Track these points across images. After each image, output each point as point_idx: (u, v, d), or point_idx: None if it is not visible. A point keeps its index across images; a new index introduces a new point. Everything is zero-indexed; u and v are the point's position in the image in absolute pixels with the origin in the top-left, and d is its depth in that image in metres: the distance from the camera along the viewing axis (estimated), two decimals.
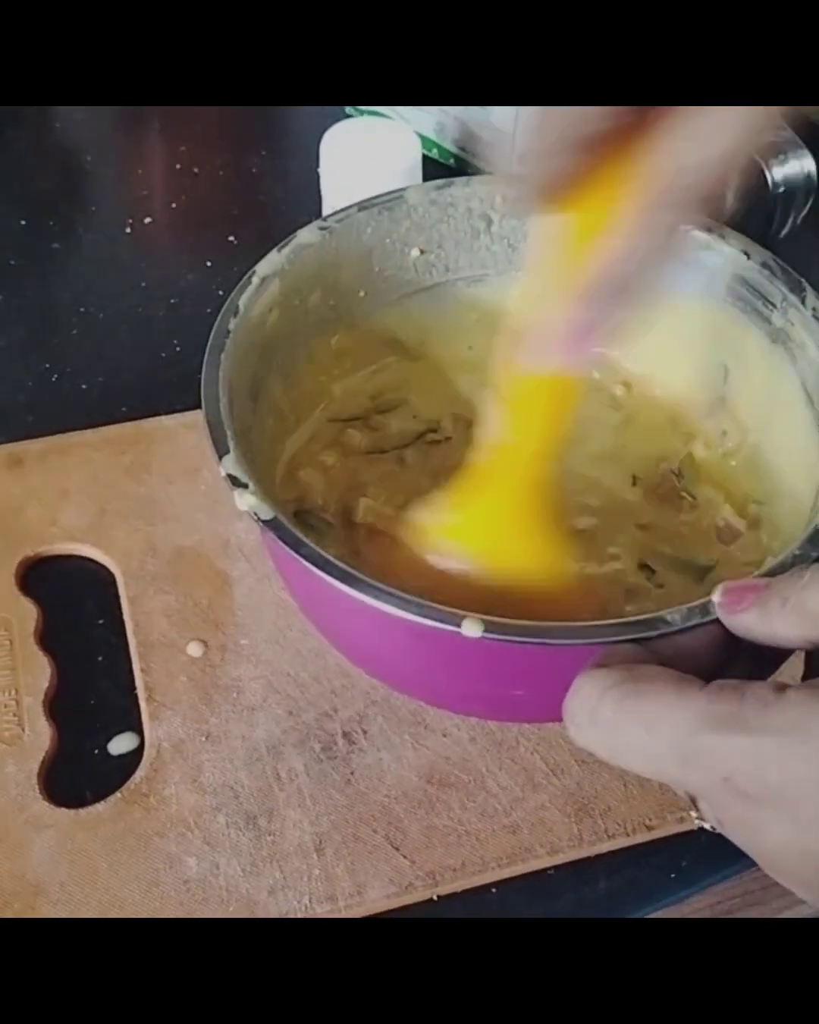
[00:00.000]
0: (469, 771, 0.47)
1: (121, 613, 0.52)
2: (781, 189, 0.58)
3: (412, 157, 0.64)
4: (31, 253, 0.69)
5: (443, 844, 0.46)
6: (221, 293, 0.66)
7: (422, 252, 0.53)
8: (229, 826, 0.46)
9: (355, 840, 0.46)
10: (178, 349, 0.64)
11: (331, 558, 0.39)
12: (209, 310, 0.65)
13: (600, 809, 0.46)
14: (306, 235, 0.50)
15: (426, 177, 0.64)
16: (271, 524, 0.40)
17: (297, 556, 0.39)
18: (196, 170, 0.75)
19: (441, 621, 0.38)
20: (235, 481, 0.41)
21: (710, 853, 0.46)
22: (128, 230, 0.71)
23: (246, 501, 0.41)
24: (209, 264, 0.69)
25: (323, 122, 0.66)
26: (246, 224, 0.71)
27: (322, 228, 0.50)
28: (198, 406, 0.59)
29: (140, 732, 0.49)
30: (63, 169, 0.75)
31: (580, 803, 0.46)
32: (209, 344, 0.45)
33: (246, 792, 0.47)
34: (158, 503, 0.56)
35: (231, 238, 0.70)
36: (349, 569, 0.39)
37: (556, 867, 0.45)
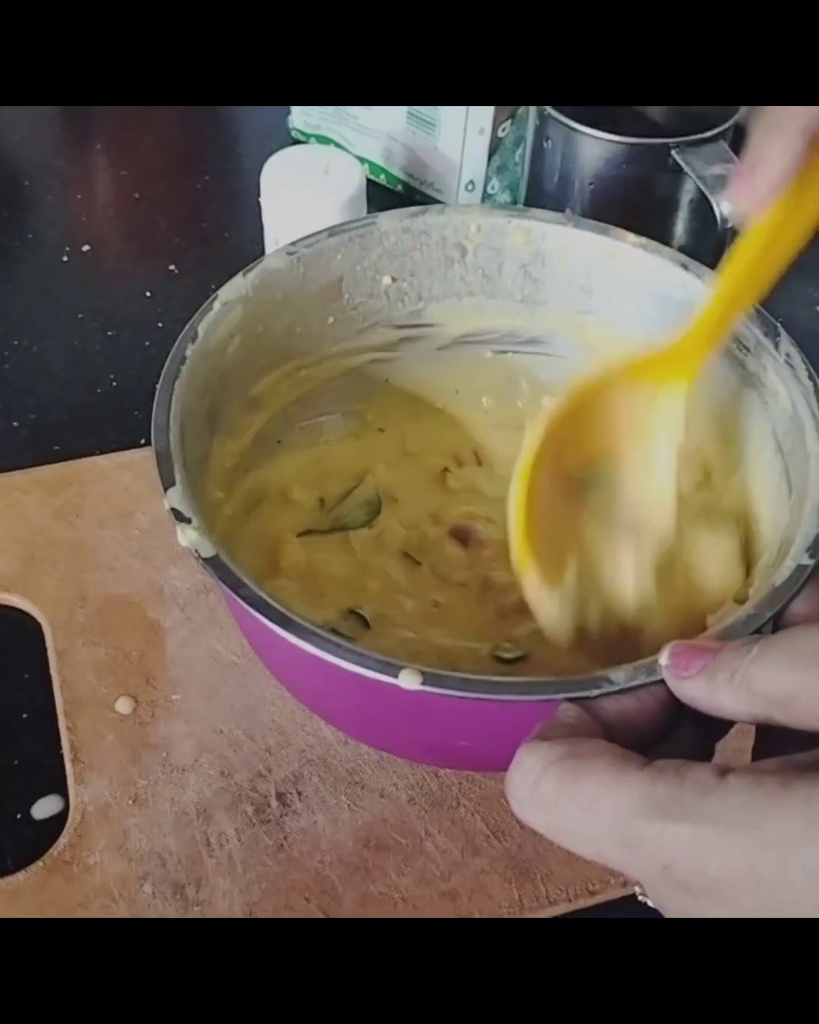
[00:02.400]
0: (407, 833, 0.46)
1: (48, 666, 0.50)
2: (730, 224, 0.57)
3: (355, 185, 0.62)
4: None
5: (378, 913, 0.44)
6: (161, 325, 0.64)
7: (394, 280, 0.52)
8: (155, 896, 0.44)
9: (287, 909, 0.44)
10: (115, 384, 0.62)
11: (270, 600, 0.37)
12: (148, 342, 0.64)
13: (542, 873, 0.45)
14: (273, 260, 0.48)
15: (373, 204, 0.62)
16: (211, 562, 0.39)
17: (236, 597, 0.38)
18: (137, 195, 0.73)
19: (380, 671, 0.36)
20: (178, 516, 0.40)
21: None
22: (65, 258, 0.68)
23: (188, 537, 0.39)
24: (149, 294, 0.67)
25: (268, 146, 0.64)
26: (188, 253, 0.69)
27: (291, 253, 0.49)
28: (134, 444, 0.58)
29: (65, 795, 0.47)
30: (0, 194, 0.73)
31: (521, 867, 0.45)
32: (164, 371, 0.43)
33: (174, 859, 0.45)
34: (89, 549, 0.54)
35: (172, 267, 0.68)
36: (288, 613, 0.37)
37: None
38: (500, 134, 0.67)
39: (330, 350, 0.52)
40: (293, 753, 0.48)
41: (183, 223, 0.72)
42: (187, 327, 0.46)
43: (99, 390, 0.62)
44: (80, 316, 0.66)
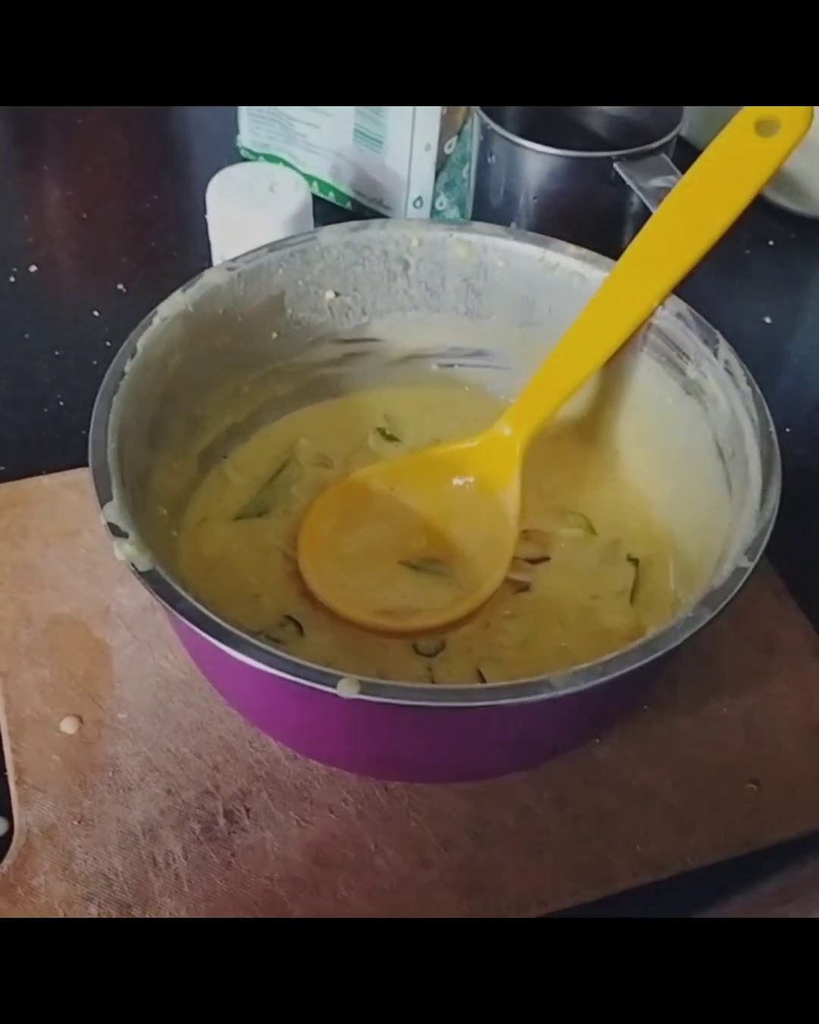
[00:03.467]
0: (356, 848, 0.45)
1: None
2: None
3: (301, 201, 0.62)
4: None
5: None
6: (109, 344, 0.64)
7: (337, 294, 0.52)
8: (100, 917, 0.43)
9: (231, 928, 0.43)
10: (61, 403, 0.62)
11: (208, 613, 0.37)
12: (96, 361, 0.64)
13: (492, 885, 0.44)
14: (213, 276, 0.48)
15: (323, 221, 0.62)
16: (148, 576, 0.39)
17: (174, 611, 0.38)
18: (85, 215, 0.73)
19: (318, 682, 0.36)
20: (115, 530, 0.40)
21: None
22: (12, 279, 0.68)
23: (124, 551, 0.39)
24: (97, 314, 0.66)
25: (216, 165, 0.64)
26: (136, 272, 0.69)
27: (230, 269, 0.49)
28: (80, 464, 0.57)
29: (9, 816, 0.46)
30: None
31: (471, 879, 0.44)
32: (102, 387, 0.43)
33: (120, 880, 0.44)
34: (35, 569, 0.53)
35: (120, 287, 0.68)
36: (226, 625, 0.37)
37: None
38: (446, 150, 0.68)
39: (275, 365, 0.52)
40: (241, 770, 0.47)
41: (131, 242, 0.71)
42: (126, 342, 0.46)
43: (46, 410, 0.61)
44: (27, 336, 0.65)
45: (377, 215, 0.72)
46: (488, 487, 0.50)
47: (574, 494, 0.51)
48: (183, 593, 0.38)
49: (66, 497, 0.56)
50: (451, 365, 0.55)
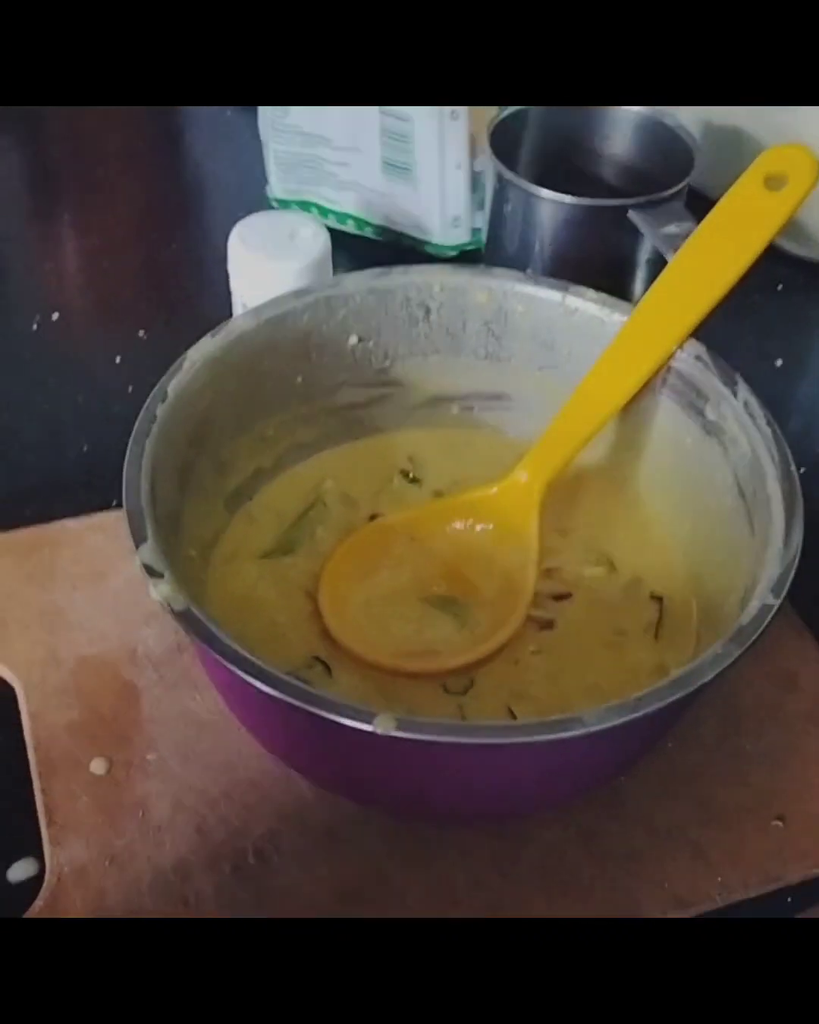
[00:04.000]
0: (385, 887, 0.45)
1: (21, 729, 0.50)
2: None
3: (321, 249, 0.63)
4: None
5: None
6: (131, 389, 0.65)
7: (360, 339, 0.53)
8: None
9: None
10: (85, 448, 0.62)
11: (243, 652, 0.38)
12: (118, 407, 0.64)
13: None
14: (242, 322, 0.49)
15: (362, 257, 0.63)
16: (184, 615, 0.39)
17: (210, 650, 0.38)
18: (105, 264, 0.74)
19: (354, 718, 0.37)
20: (150, 571, 0.40)
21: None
22: (35, 327, 0.69)
23: (160, 591, 0.40)
24: (119, 360, 0.67)
25: (235, 214, 0.65)
26: (157, 319, 0.70)
27: (258, 315, 0.50)
28: (105, 507, 0.58)
29: (41, 858, 0.46)
30: None
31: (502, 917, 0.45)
32: (135, 430, 0.44)
33: (152, 917, 0.44)
34: (62, 611, 0.54)
35: (141, 333, 0.69)
36: (262, 664, 0.38)
37: None
38: (476, 168, 0.69)
39: (300, 409, 0.53)
40: (270, 809, 0.47)
41: (151, 290, 0.73)
42: (157, 387, 0.47)
43: (70, 455, 0.62)
44: (50, 383, 0.66)
45: (416, 242, 0.73)
46: (507, 532, 0.51)
47: (595, 533, 0.52)
48: (218, 632, 0.39)
49: (92, 540, 0.57)
50: (471, 408, 0.56)
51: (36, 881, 0.46)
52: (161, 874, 0.46)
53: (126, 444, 0.45)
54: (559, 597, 0.50)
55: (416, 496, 0.54)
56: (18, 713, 0.51)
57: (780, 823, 0.47)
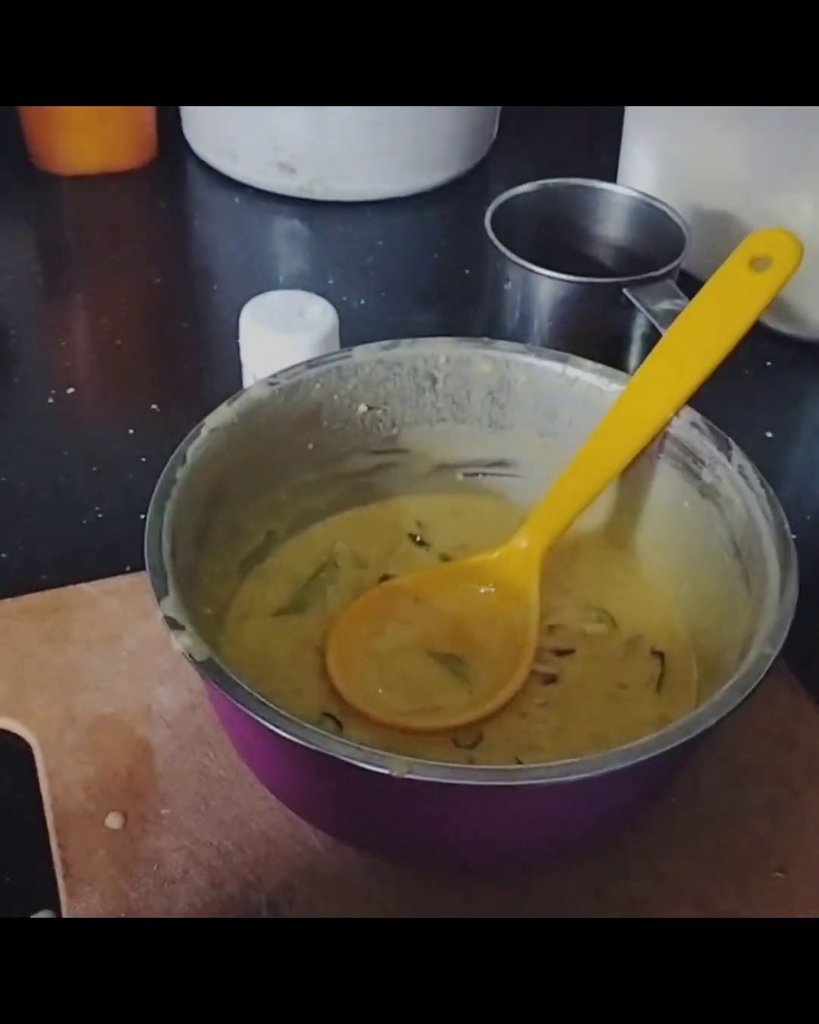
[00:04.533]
0: None
1: (38, 786, 0.51)
2: None
3: (329, 325, 0.66)
4: None
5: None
6: (144, 460, 0.67)
7: (370, 408, 0.55)
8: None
9: None
10: (99, 516, 0.64)
11: (263, 699, 0.39)
12: (131, 476, 0.67)
13: None
14: (257, 390, 0.51)
15: (361, 333, 0.66)
16: (205, 665, 0.41)
17: (231, 699, 0.40)
18: (119, 342, 0.77)
19: (371, 762, 0.38)
20: (172, 623, 0.42)
21: None
22: (50, 400, 0.72)
23: (182, 642, 0.41)
24: (131, 432, 0.70)
25: (243, 295, 0.68)
26: (168, 392, 0.73)
27: (272, 384, 0.52)
28: (119, 572, 0.60)
29: (57, 909, 0.47)
30: None
31: None
32: (156, 492, 0.46)
33: None
34: (78, 671, 0.55)
35: (154, 406, 0.71)
36: (284, 712, 0.39)
37: None
38: None
39: (311, 475, 0.55)
40: (282, 863, 0.48)
41: (163, 366, 0.75)
42: (176, 452, 0.49)
43: (84, 521, 0.64)
44: (65, 453, 0.68)
45: None
46: (510, 594, 0.53)
47: (596, 591, 0.54)
48: (239, 681, 0.40)
49: (107, 603, 0.58)
50: (476, 474, 0.58)
51: None
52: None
53: (138, 511, 0.46)
54: (562, 652, 0.51)
55: (424, 559, 0.56)
56: (35, 770, 0.52)
57: (782, 875, 0.48)
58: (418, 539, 0.57)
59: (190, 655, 0.41)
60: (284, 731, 0.39)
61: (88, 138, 0.90)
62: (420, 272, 0.84)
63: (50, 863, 0.49)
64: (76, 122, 0.88)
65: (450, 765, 0.39)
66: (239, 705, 0.40)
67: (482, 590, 0.53)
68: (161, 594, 0.43)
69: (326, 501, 0.56)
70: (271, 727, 0.39)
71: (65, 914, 0.47)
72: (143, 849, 0.49)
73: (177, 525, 0.46)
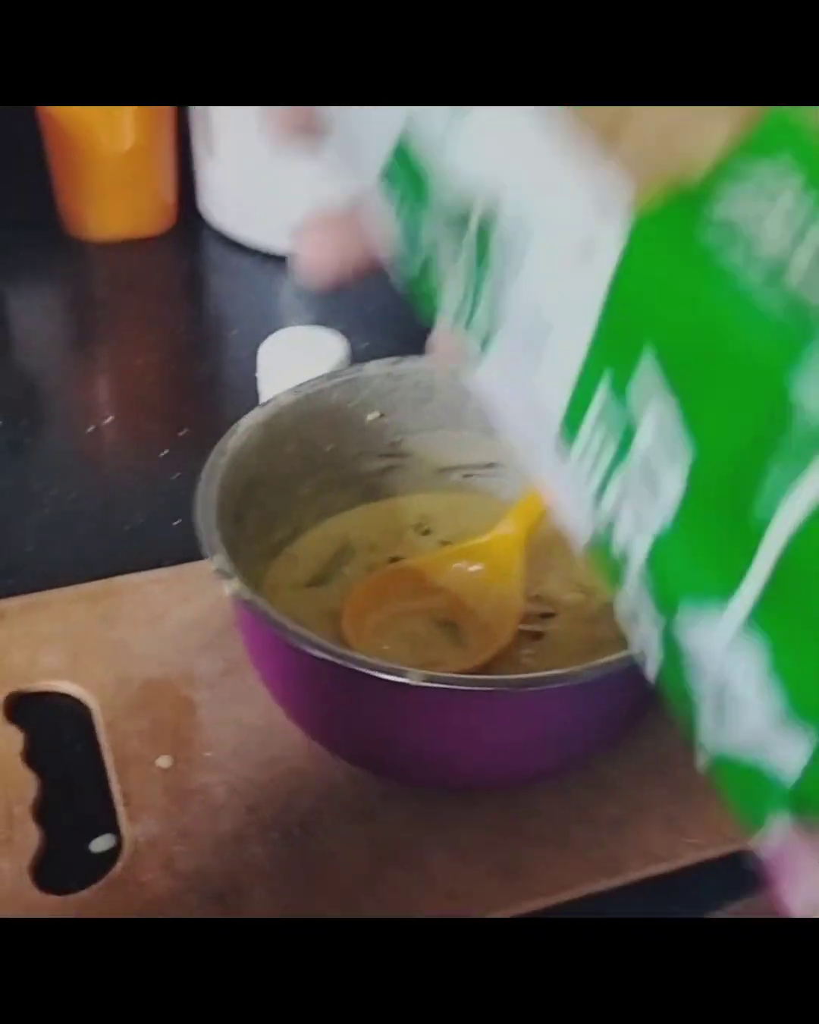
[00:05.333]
0: (411, 850, 0.54)
1: (97, 736, 0.59)
2: None
3: (341, 354, 0.75)
4: (6, 449, 0.79)
5: (390, 912, 0.52)
6: (176, 475, 0.76)
7: (381, 415, 0.64)
8: (199, 905, 0.52)
9: (313, 910, 0.52)
10: (140, 521, 0.73)
11: (297, 627, 0.48)
12: (164, 488, 0.76)
13: (529, 875, 0.53)
14: (284, 397, 0.61)
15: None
16: (250, 603, 0.49)
17: (269, 625, 0.48)
18: (150, 379, 0.87)
19: (390, 673, 0.46)
20: (223, 572, 0.50)
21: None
22: (91, 429, 0.81)
23: (232, 586, 0.49)
24: (164, 453, 0.79)
25: (258, 338, 0.78)
26: (195, 420, 0.82)
27: (296, 392, 0.61)
28: (161, 565, 0.68)
29: (118, 833, 0.55)
30: (27, 386, 0.86)
31: (510, 871, 0.53)
32: (204, 475, 0.55)
33: (216, 876, 0.53)
34: (128, 645, 0.64)
35: (182, 432, 0.81)
36: (313, 636, 0.47)
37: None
38: None
39: (329, 473, 0.64)
40: (310, 793, 0.56)
41: (189, 399, 0.85)
42: (217, 446, 0.58)
43: (127, 527, 0.73)
44: (106, 471, 0.77)
45: None
46: (499, 570, 0.62)
47: (575, 568, 0.63)
48: (273, 613, 0.49)
49: (151, 589, 0.67)
50: (471, 475, 0.67)
51: (115, 852, 0.54)
52: (222, 842, 0.54)
53: (172, 518, 0.55)
54: (545, 615, 0.60)
55: (426, 545, 0.65)
56: (93, 728, 0.60)
57: None
58: (423, 529, 0.66)
59: (238, 596, 0.50)
60: (314, 650, 0.47)
61: (113, 206, 1.01)
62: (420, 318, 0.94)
63: (110, 798, 0.56)
64: (102, 191, 0.99)
65: (461, 676, 0.47)
66: (276, 631, 0.48)
67: (474, 568, 0.62)
68: (213, 551, 0.52)
69: (343, 497, 0.65)
70: (304, 648, 0.47)
71: (125, 835, 0.54)
72: (191, 782, 0.57)
73: (220, 501, 0.55)
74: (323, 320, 0.95)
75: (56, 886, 0.53)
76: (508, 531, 0.62)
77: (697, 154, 0.21)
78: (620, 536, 0.25)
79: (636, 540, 0.25)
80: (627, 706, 0.55)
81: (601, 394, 0.24)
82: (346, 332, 0.90)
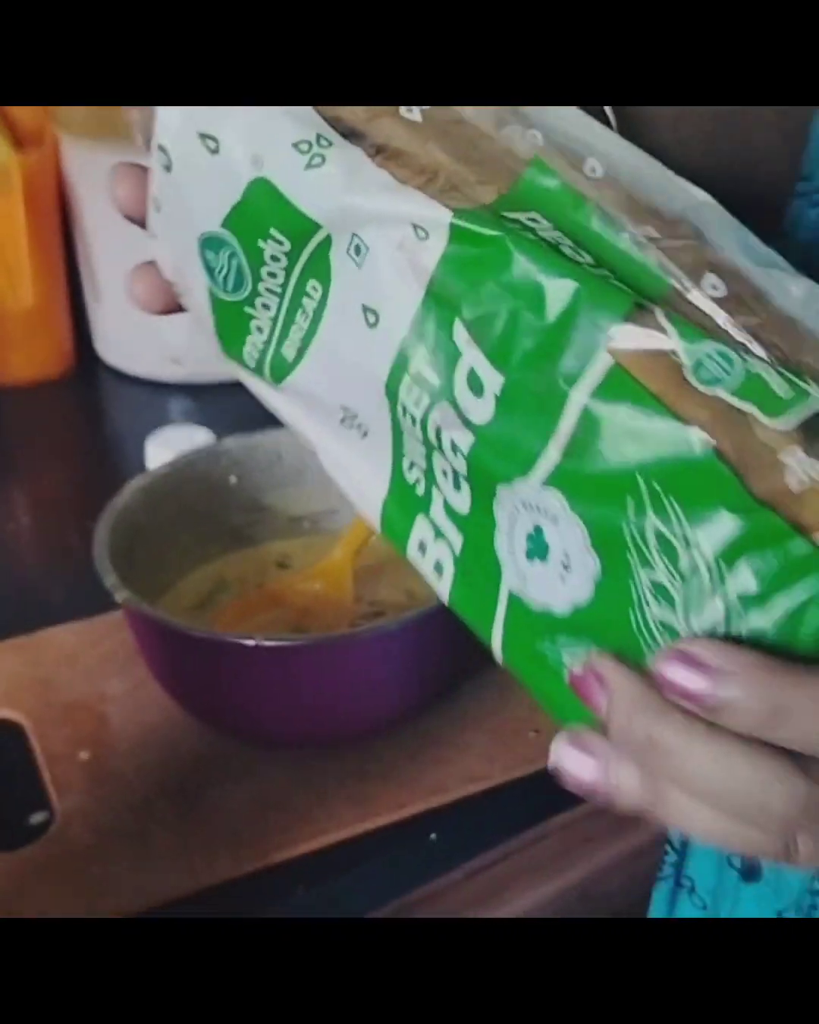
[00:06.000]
0: (284, 797, 0.69)
1: (31, 744, 0.74)
2: None
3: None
4: None
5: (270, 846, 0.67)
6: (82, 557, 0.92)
7: (238, 479, 0.81)
8: (117, 852, 0.66)
9: (207, 851, 0.66)
10: (59, 592, 0.89)
11: (162, 616, 0.64)
12: (74, 567, 0.91)
13: (371, 800, 0.68)
14: (160, 468, 0.78)
15: None
16: (131, 602, 0.65)
17: (141, 615, 0.64)
18: (59, 485, 1.04)
19: (236, 637, 0.62)
20: (116, 587, 0.66)
21: (461, 828, 0.68)
22: (12, 525, 0.97)
23: (121, 595, 0.65)
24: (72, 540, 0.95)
25: (144, 431, 0.95)
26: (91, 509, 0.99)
27: (171, 465, 0.78)
28: (73, 619, 0.84)
29: (50, 809, 0.69)
30: None
31: (358, 801, 0.68)
32: (98, 524, 0.71)
33: (130, 832, 0.67)
34: (52, 681, 0.79)
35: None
36: (177, 621, 0.64)
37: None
38: None
39: (203, 528, 0.81)
40: (202, 763, 0.71)
41: (91, 498, 1.02)
42: (108, 504, 0.74)
43: (44, 595, 0.89)
44: (26, 560, 0.94)
45: None
46: (332, 586, 0.78)
47: (399, 576, 0.79)
48: (145, 607, 0.65)
49: (66, 638, 0.82)
50: (317, 521, 0.84)
51: (48, 822, 0.69)
52: (133, 806, 0.69)
53: (80, 585, 0.72)
54: (376, 614, 0.77)
55: (286, 576, 0.82)
56: (28, 741, 0.75)
57: (535, 734, 0.72)
58: (283, 565, 0.82)
59: (128, 602, 0.66)
60: (184, 630, 0.63)
61: (19, 356, 1.18)
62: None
63: (42, 785, 0.71)
64: (8, 343, 1.17)
65: (292, 636, 0.63)
66: (155, 621, 0.64)
67: (316, 587, 0.79)
68: (106, 573, 0.68)
69: (217, 545, 0.82)
70: (174, 628, 0.63)
71: (57, 807, 0.69)
72: (106, 767, 0.72)
73: (112, 542, 0.71)
74: (204, 421, 1.13)
75: (5, 846, 0.67)
76: (336, 556, 0.78)
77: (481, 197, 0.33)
78: (437, 466, 0.36)
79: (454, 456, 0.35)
80: (433, 661, 0.71)
81: (421, 352, 0.35)
82: (224, 432, 1.09)
